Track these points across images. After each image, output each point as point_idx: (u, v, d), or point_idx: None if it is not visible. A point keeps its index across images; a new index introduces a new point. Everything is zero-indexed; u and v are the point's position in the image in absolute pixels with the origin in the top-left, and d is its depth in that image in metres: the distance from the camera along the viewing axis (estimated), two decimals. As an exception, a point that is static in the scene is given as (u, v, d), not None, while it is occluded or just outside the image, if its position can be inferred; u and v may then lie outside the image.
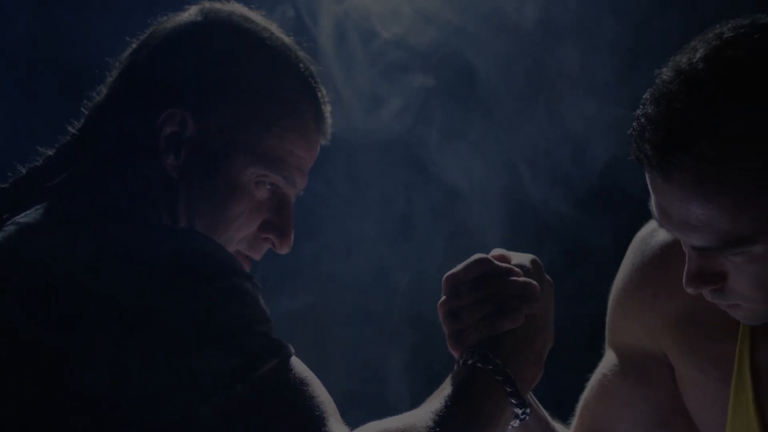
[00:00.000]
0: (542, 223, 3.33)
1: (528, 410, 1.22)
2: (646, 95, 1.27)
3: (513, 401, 1.20)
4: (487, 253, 1.32)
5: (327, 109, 1.53)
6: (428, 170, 3.39)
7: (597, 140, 3.18)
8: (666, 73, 1.25)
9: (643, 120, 1.25)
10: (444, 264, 1.37)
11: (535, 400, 1.47)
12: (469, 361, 1.22)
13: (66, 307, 1.16)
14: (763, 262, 1.24)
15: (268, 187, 1.47)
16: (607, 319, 1.57)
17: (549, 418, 1.50)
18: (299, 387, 1.16)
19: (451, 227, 3.42)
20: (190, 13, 1.50)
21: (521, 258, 1.31)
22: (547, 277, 1.32)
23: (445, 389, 1.20)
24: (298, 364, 1.20)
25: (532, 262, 1.31)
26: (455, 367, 1.24)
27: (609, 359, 1.56)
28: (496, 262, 1.28)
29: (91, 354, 1.14)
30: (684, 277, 1.29)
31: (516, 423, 1.23)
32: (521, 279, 1.27)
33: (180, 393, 1.12)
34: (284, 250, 1.53)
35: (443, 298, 1.28)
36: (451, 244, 3.38)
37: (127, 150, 1.44)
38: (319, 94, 1.51)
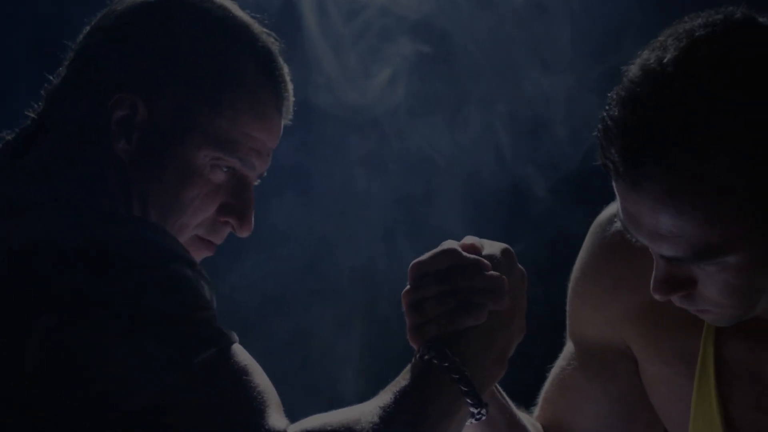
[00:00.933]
0: (520, 206, 3.30)
1: (485, 410, 1.18)
2: (612, 94, 1.20)
3: (468, 401, 1.17)
4: (459, 240, 1.27)
5: (288, 88, 1.49)
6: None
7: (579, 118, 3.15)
8: (633, 72, 1.19)
9: (609, 123, 1.18)
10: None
11: (500, 390, 1.43)
12: (426, 356, 1.18)
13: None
14: (735, 272, 1.19)
15: (225, 170, 1.43)
16: (567, 308, 1.52)
17: (514, 409, 1.46)
18: (238, 377, 1.14)
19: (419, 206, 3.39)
20: None
21: (492, 248, 1.26)
22: (520, 267, 1.27)
23: (399, 383, 1.17)
24: (239, 353, 1.17)
25: (504, 252, 1.25)
26: (413, 359, 1.20)
27: (569, 351, 1.52)
28: (464, 253, 1.22)
29: (20, 344, 1.12)
30: (652, 283, 1.24)
31: (472, 421, 1.19)
32: (489, 273, 1.21)
33: (111, 384, 1.11)
34: (244, 234, 1.50)
35: (407, 287, 1.23)
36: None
37: (79, 136, 1.41)
38: (279, 74, 1.47)
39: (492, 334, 1.20)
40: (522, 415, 1.49)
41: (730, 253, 1.17)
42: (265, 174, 1.53)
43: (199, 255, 1.49)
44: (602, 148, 1.19)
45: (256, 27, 1.47)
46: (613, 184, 1.21)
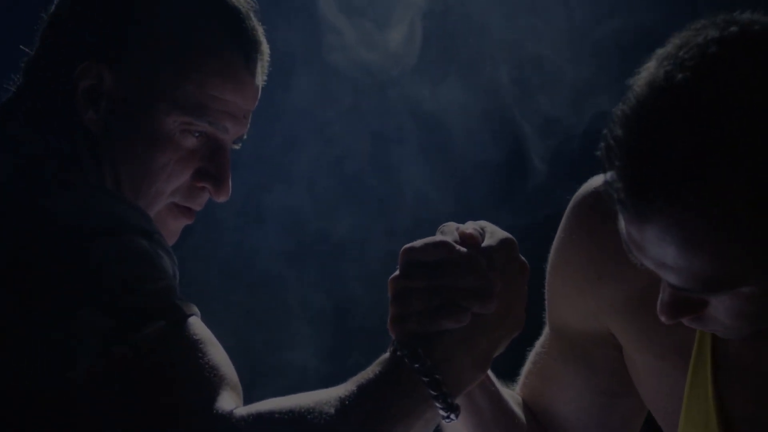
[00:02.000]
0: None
1: (455, 414, 1.13)
2: (617, 110, 1.08)
3: (438, 405, 1.12)
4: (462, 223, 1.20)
5: (260, 48, 1.47)
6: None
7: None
8: (640, 89, 1.07)
9: (612, 143, 1.07)
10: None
11: (492, 378, 1.38)
12: (398, 353, 1.12)
13: None
14: (748, 300, 1.10)
15: (196, 135, 1.42)
16: (546, 294, 1.43)
17: (504, 395, 1.40)
18: (189, 352, 1.11)
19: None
20: None
21: (492, 238, 1.18)
22: (521, 260, 1.19)
23: (366, 375, 1.12)
24: (195, 328, 1.14)
25: (503, 244, 1.17)
26: (388, 349, 1.15)
27: (548, 337, 1.44)
28: (457, 248, 1.15)
29: None
30: (658, 306, 1.14)
31: (449, 417, 1.14)
32: (479, 273, 1.14)
33: (51, 355, 1.09)
34: (221, 198, 1.48)
35: (396, 273, 1.16)
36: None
37: (48, 107, 1.40)
38: (249, 34, 1.44)
39: (473, 338, 1.14)
40: (511, 396, 1.44)
41: (741, 285, 1.08)
42: (245, 137, 1.51)
43: (177, 223, 1.49)
44: (604, 170, 1.10)
45: None
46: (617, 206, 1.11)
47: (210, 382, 1.09)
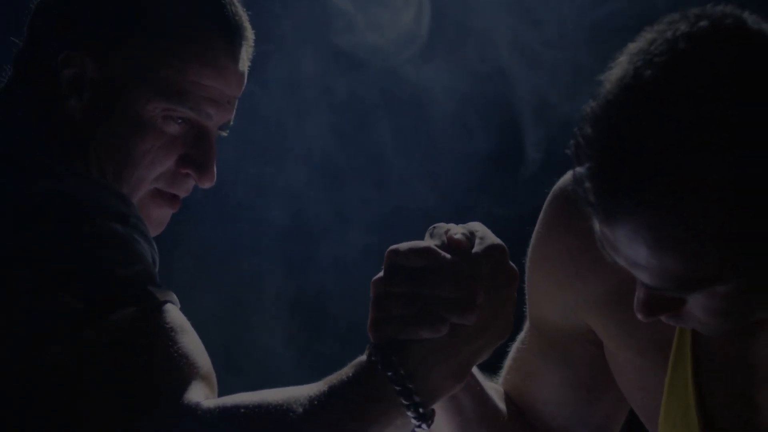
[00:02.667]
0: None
1: (427, 423, 1.10)
2: (587, 107, 1.06)
3: (409, 413, 1.10)
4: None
5: (243, 34, 1.47)
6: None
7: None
8: (610, 83, 1.05)
9: (581, 141, 1.05)
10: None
11: (478, 377, 1.37)
12: (372, 358, 1.10)
13: None
14: (723, 298, 1.08)
15: (179, 121, 1.42)
16: (526, 290, 1.40)
17: (486, 390, 1.39)
18: (159, 340, 1.11)
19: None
20: None
21: (481, 245, 1.15)
22: (510, 267, 1.15)
23: (339, 376, 1.10)
24: (169, 316, 1.14)
25: (492, 253, 1.15)
26: (365, 351, 1.13)
27: (528, 333, 1.42)
28: (441, 255, 1.12)
29: None
30: (635, 304, 1.13)
31: (422, 426, 1.12)
32: (462, 283, 1.11)
33: (21, 339, 1.10)
34: (206, 184, 1.49)
35: (379, 275, 1.14)
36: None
37: (32, 96, 1.41)
38: (231, 20, 1.44)
39: (450, 349, 1.11)
40: (496, 392, 1.42)
41: (715, 284, 1.07)
42: (231, 122, 1.51)
43: (162, 210, 1.49)
44: (573, 169, 1.08)
45: None
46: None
47: (179, 372, 1.09)
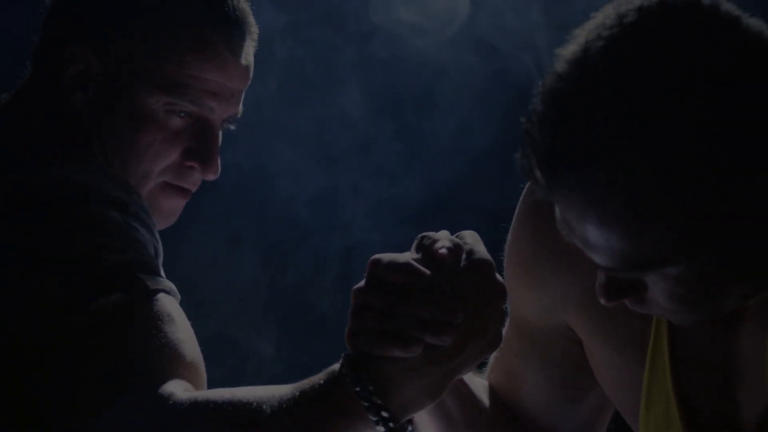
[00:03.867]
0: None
1: None
2: (541, 83, 1.05)
3: (379, 429, 1.07)
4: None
5: (246, 29, 1.49)
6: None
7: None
8: (562, 57, 1.03)
9: (532, 118, 1.04)
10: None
11: (467, 381, 1.35)
12: (344, 370, 1.08)
13: None
14: (679, 282, 1.06)
15: (181, 115, 1.45)
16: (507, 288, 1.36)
17: (474, 392, 1.36)
18: (145, 329, 1.13)
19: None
20: None
21: (467, 261, 1.11)
22: (498, 282, 1.12)
23: (311, 381, 1.09)
24: (158, 304, 1.16)
25: (478, 269, 1.11)
26: (340, 360, 1.10)
27: (508, 332, 1.37)
28: (420, 271, 1.08)
29: None
30: (596, 287, 1.10)
31: None
32: (439, 303, 1.07)
33: (7, 322, 1.13)
34: (210, 177, 1.51)
35: (360, 284, 1.10)
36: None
37: (42, 90, 1.46)
38: (233, 15, 1.47)
39: (423, 369, 1.07)
40: (485, 390, 1.40)
41: (665, 266, 1.05)
42: (239, 115, 1.53)
43: (172, 202, 1.52)
44: (521, 149, 1.05)
45: None
46: None
47: (158, 361, 1.10)
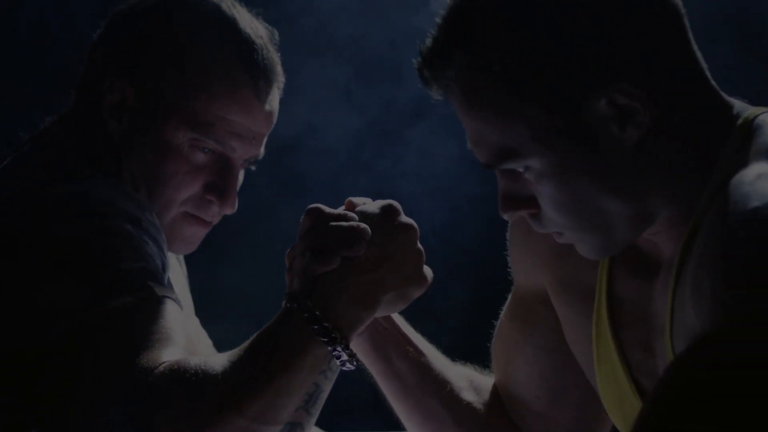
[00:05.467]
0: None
1: (347, 351, 1.25)
2: None
3: (323, 340, 1.23)
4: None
5: (273, 77, 1.60)
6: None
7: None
8: None
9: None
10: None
11: (418, 347, 1.48)
12: (286, 304, 1.27)
13: None
14: (549, 180, 1.20)
15: (206, 151, 1.56)
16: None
17: (432, 362, 1.49)
18: (146, 323, 1.23)
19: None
20: None
21: (371, 206, 1.34)
22: (405, 221, 1.34)
23: (265, 327, 1.26)
24: (164, 307, 1.27)
25: (382, 207, 1.33)
26: (284, 300, 1.29)
27: (509, 300, 1.53)
28: (325, 209, 1.32)
29: None
30: (498, 202, 1.26)
31: (345, 365, 1.26)
32: (345, 224, 1.30)
33: (27, 318, 1.24)
34: (228, 211, 1.62)
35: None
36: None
37: (83, 117, 1.58)
38: (261, 64, 1.57)
39: (347, 278, 1.27)
40: (455, 370, 1.51)
41: (527, 155, 1.18)
42: (260, 157, 1.64)
43: (192, 230, 1.63)
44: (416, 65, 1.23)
45: (246, 22, 1.60)
46: None
47: (153, 343, 1.21)
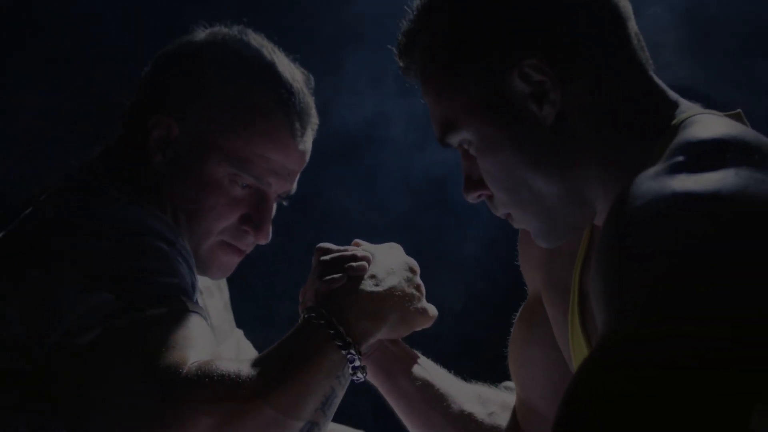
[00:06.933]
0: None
1: (359, 357, 1.38)
2: None
3: (338, 344, 1.39)
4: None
5: (308, 119, 1.72)
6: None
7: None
8: None
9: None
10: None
11: (428, 368, 1.60)
12: (304, 316, 1.43)
13: (9, 250, 1.46)
14: (483, 154, 1.30)
15: (243, 186, 1.68)
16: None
17: (435, 381, 1.59)
18: (176, 335, 1.33)
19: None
20: (196, 34, 1.75)
21: (374, 247, 1.57)
22: (404, 255, 1.57)
23: (288, 334, 1.40)
24: (193, 319, 1.37)
25: (387, 244, 1.57)
26: (303, 313, 1.45)
27: (523, 305, 1.62)
28: (332, 245, 1.55)
29: (11, 289, 1.40)
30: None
31: (356, 374, 1.40)
32: (350, 248, 1.53)
33: (68, 324, 1.34)
34: (262, 241, 1.74)
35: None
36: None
37: (129, 148, 1.69)
38: (297, 107, 1.69)
39: (353, 294, 1.47)
40: (462, 386, 1.61)
41: (461, 128, 1.31)
42: (292, 192, 1.76)
43: (227, 258, 1.74)
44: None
45: (285, 67, 1.72)
46: None
47: (183, 350, 1.31)
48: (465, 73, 1.29)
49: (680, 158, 1.06)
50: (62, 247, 1.42)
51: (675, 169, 1.04)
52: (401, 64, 1.37)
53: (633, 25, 1.29)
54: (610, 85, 1.26)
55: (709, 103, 1.29)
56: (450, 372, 1.66)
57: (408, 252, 1.61)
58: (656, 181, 1.03)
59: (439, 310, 1.57)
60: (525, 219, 1.34)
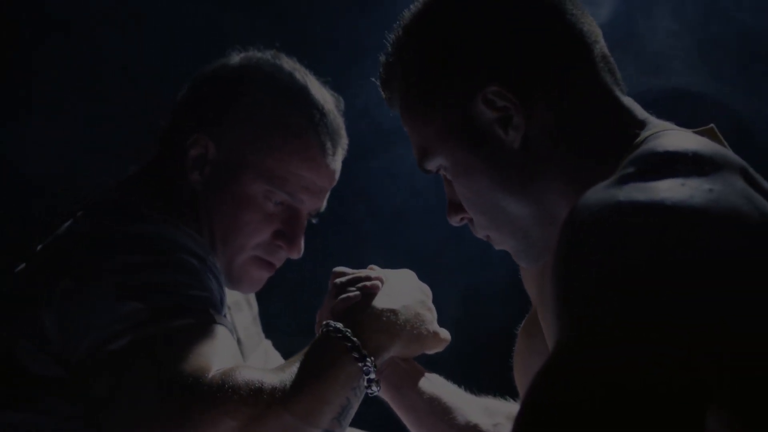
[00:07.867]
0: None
1: (374, 370, 1.45)
2: None
3: (354, 356, 1.45)
4: None
5: (338, 140, 1.79)
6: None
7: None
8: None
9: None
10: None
11: (437, 384, 1.65)
12: (323, 330, 1.49)
13: (47, 262, 1.52)
14: (457, 178, 1.35)
15: (277, 203, 1.74)
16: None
17: (441, 394, 1.64)
18: (202, 345, 1.39)
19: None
20: (231, 58, 1.82)
21: (388, 271, 1.63)
22: (417, 281, 1.64)
23: (307, 347, 1.46)
24: (219, 332, 1.43)
25: (401, 269, 1.64)
26: (320, 332, 1.51)
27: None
28: (348, 270, 1.62)
29: (48, 298, 1.46)
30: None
31: (371, 386, 1.46)
32: (361, 274, 1.60)
33: (102, 331, 1.41)
34: (294, 256, 1.81)
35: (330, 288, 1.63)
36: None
37: (167, 166, 1.76)
38: (328, 128, 1.76)
39: (367, 310, 1.54)
40: (470, 399, 1.66)
41: (434, 153, 1.36)
42: (322, 209, 1.83)
43: (260, 273, 1.81)
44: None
45: (316, 89, 1.79)
46: None
47: (202, 374, 1.36)
48: (435, 102, 1.35)
49: (630, 170, 1.09)
50: (96, 261, 1.48)
51: (624, 180, 1.07)
52: (384, 95, 1.43)
53: (600, 48, 1.32)
54: (573, 107, 1.29)
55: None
56: (461, 387, 1.71)
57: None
58: (605, 192, 1.05)
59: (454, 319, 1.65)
60: (502, 240, 1.38)
